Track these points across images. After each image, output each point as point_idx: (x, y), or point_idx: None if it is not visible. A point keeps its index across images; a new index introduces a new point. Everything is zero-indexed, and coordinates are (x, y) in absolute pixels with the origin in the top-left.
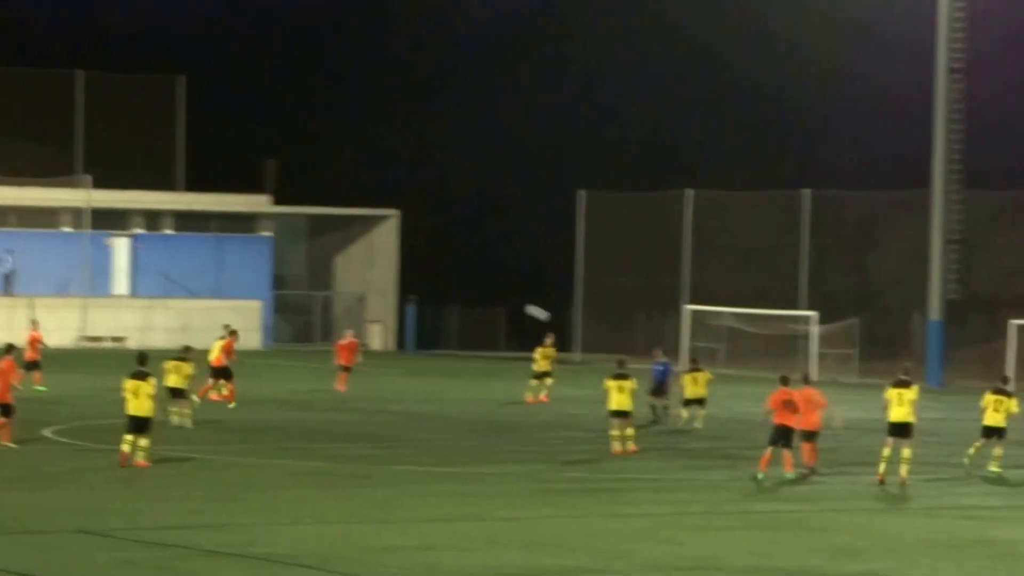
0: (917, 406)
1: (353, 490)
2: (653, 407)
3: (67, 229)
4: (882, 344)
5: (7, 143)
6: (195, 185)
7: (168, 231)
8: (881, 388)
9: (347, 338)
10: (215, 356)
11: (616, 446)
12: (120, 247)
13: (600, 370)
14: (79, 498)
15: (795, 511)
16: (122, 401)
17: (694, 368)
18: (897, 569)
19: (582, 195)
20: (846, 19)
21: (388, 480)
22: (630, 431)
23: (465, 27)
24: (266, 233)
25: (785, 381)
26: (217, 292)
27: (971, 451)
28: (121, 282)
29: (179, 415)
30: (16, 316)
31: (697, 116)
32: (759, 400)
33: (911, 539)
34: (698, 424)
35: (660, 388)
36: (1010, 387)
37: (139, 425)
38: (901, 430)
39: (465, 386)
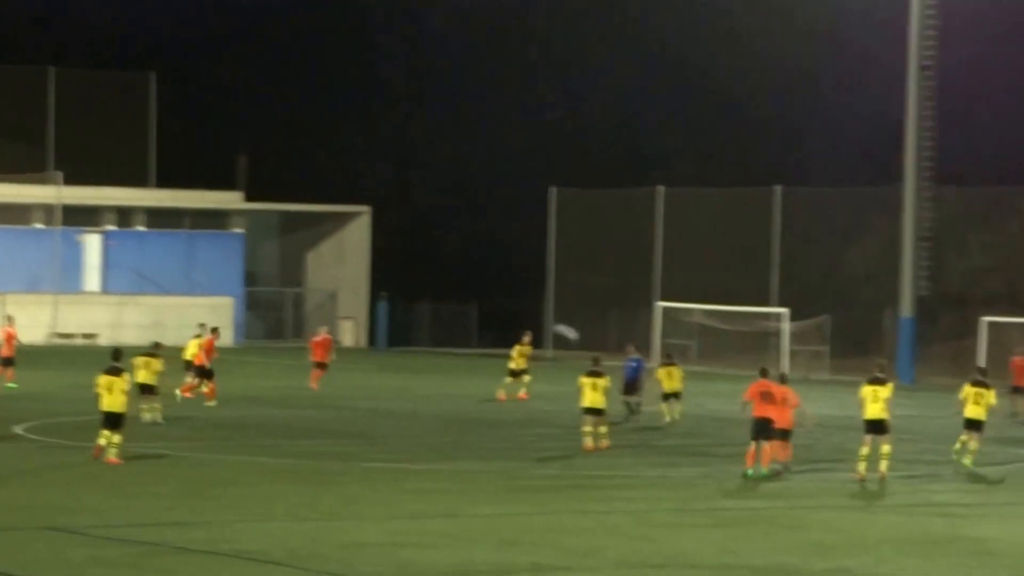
0: (891, 403)
1: (324, 487)
2: (627, 403)
3: (39, 226)
4: (853, 341)
5: None
6: (167, 182)
7: (140, 228)
8: (852, 385)
9: (321, 335)
10: (192, 353)
11: (588, 442)
12: (92, 244)
13: (572, 367)
14: (50, 495)
15: (767, 508)
16: (95, 397)
17: (668, 363)
18: (868, 566)
19: (554, 192)
20: (817, 17)
21: (359, 477)
22: (603, 428)
23: (437, 24)
24: (238, 230)
25: (764, 373)
26: (189, 289)
27: (957, 447)
28: (93, 279)
29: (150, 411)
30: None
31: (669, 113)
32: (731, 397)
33: (882, 536)
34: (676, 416)
35: (632, 385)
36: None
37: (113, 421)
38: (877, 427)
39: (436, 383)
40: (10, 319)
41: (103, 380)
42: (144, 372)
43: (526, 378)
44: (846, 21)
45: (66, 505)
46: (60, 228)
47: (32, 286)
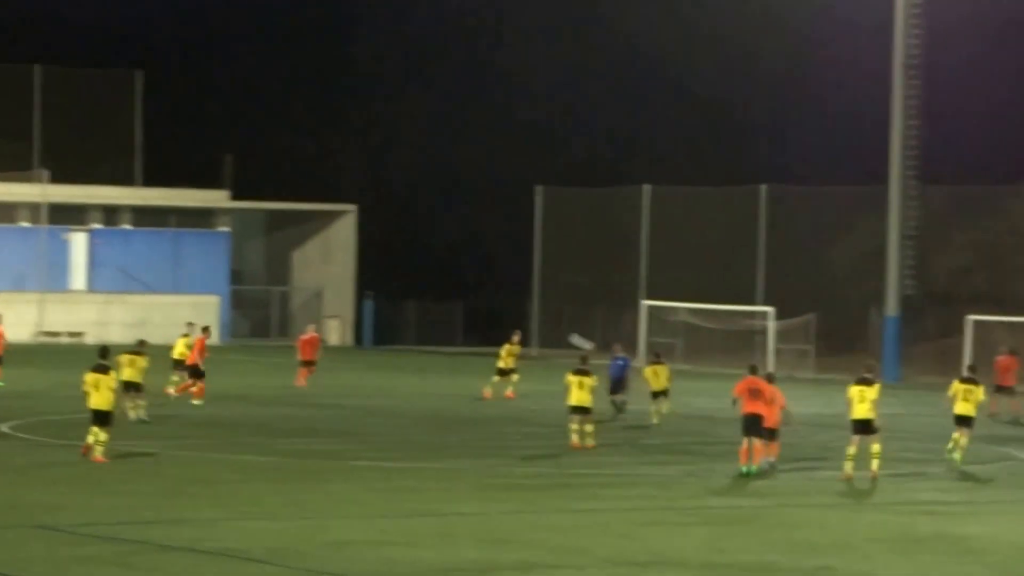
0: (878, 404)
1: (309, 485)
2: (613, 402)
3: (24, 224)
4: (839, 340)
5: None
6: (153, 180)
7: (126, 226)
8: (838, 383)
9: (309, 333)
10: (180, 352)
11: (575, 438)
12: (78, 242)
13: (557, 366)
14: (36, 493)
15: (752, 506)
16: (83, 395)
17: (655, 361)
18: (853, 564)
19: (539, 191)
20: (803, 16)
21: (344, 475)
22: (589, 427)
23: (423, 23)
24: (224, 228)
25: (754, 370)
26: (175, 287)
27: (950, 445)
28: (79, 277)
29: (135, 409)
30: None
31: (655, 112)
32: (716, 395)
33: (867, 534)
34: (664, 410)
35: (619, 384)
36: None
37: (100, 419)
38: (864, 428)
39: (422, 381)
40: None
41: (90, 378)
42: (129, 370)
43: (514, 377)
44: (831, 20)
45: (51, 503)
46: (46, 226)
47: (18, 284)
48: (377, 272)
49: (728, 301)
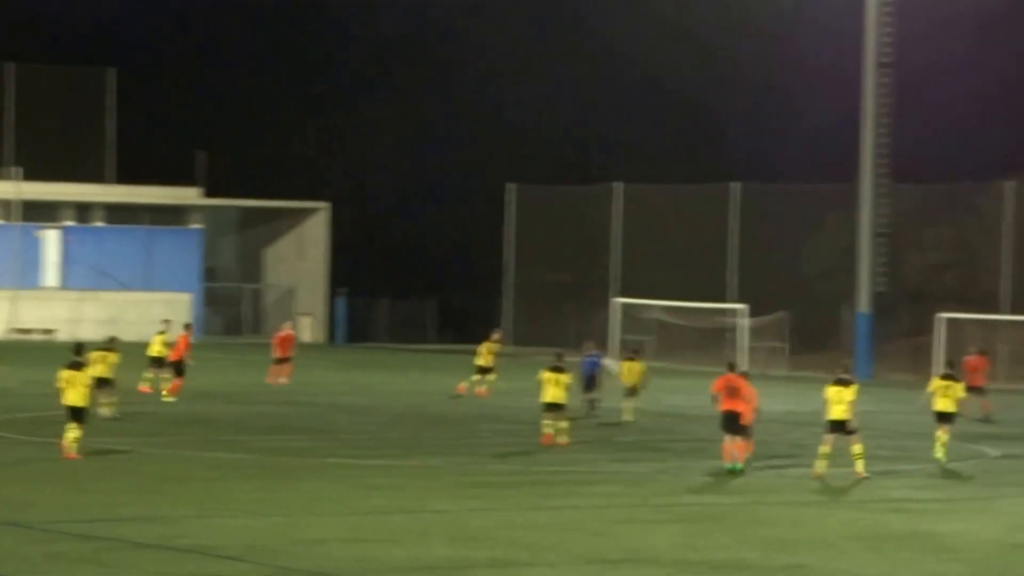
0: (855, 405)
1: (282, 482)
2: (587, 400)
3: None
4: (811, 337)
5: None
6: (125, 178)
7: (98, 223)
8: (810, 381)
9: (285, 330)
10: (157, 350)
11: (548, 431)
12: (50, 239)
13: (530, 363)
14: (7, 491)
15: (725, 504)
16: (56, 392)
17: (628, 357)
18: (826, 562)
19: (512, 188)
20: (776, 14)
21: (317, 472)
22: (563, 424)
23: (396, 21)
24: (196, 226)
25: (732, 367)
26: (147, 284)
27: (937, 446)
28: (51, 274)
29: (107, 405)
30: None
31: (627, 109)
32: (689, 393)
33: (840, 532)
34: (631, 406)
35: (591, 382)
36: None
37: (75, 415)
38: (839, 428)
39: (395, 378)
40: None
41: (64, 374)
42: (101, 366)
43: (491, 377)
44: (803, 18)
45: (23, 500)
46: (19, 224)
47: None
48: (350, 269)
49: (701, 298)
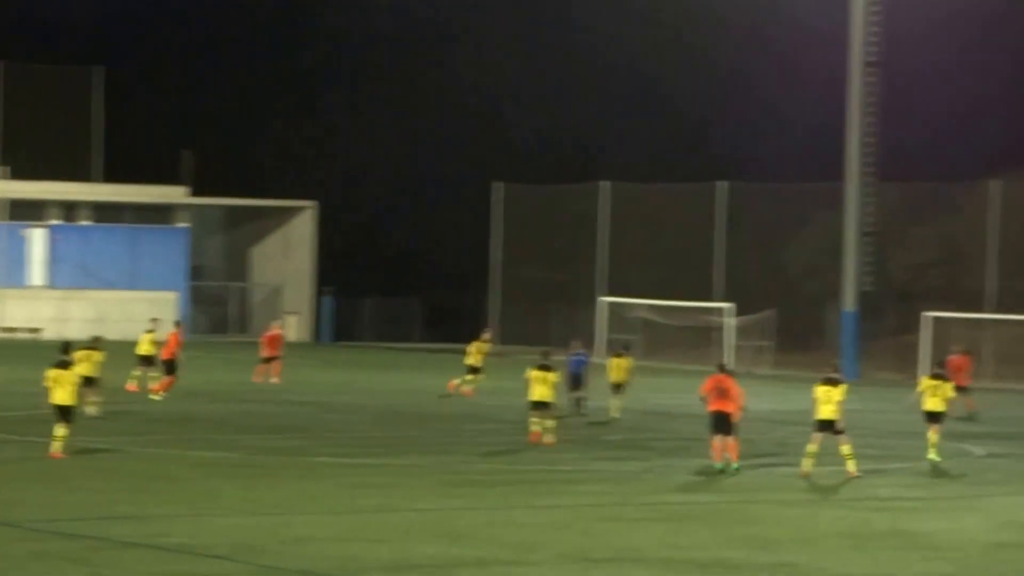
0: (844, 405)
1: (268, 481)
2: (573, 399)
3: None
4: (797, 336)
5: None
6: (112, 176)
7: (85, 222)
8: (796, 380)
9: (273, 329)
10: (146, 348)
11: (535, 429)
12: (37, 238)
13: (516, 362)
14: None
15: (710, 502)
16: (43, 391)
17: (618, 354)
18: (811, 560)
19: (499, 187)
20: (762, 13)
21: (303, 471)
22: (550, 423)
23: (380, 20)
24: (182, 224)
25: (722, 368)
26: (134, 283)
27: (929, 447)
28: (37, 273)
29: (92, 404)
30: None
31: (613, 109)
32: (675, 392)
33: (825, 530)
34: (618, 404)
35: (578, 380)
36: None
37: (62, 413)
38: (828, 427)
39: (381, 377)
40: None
41: (52, 373)
42: (86, 365)
43: (479, 377)
44: (790, 17)
45: (9, 499)
46: (5, 223)
47: None
48: (336, 268)
49: (687, 297)
